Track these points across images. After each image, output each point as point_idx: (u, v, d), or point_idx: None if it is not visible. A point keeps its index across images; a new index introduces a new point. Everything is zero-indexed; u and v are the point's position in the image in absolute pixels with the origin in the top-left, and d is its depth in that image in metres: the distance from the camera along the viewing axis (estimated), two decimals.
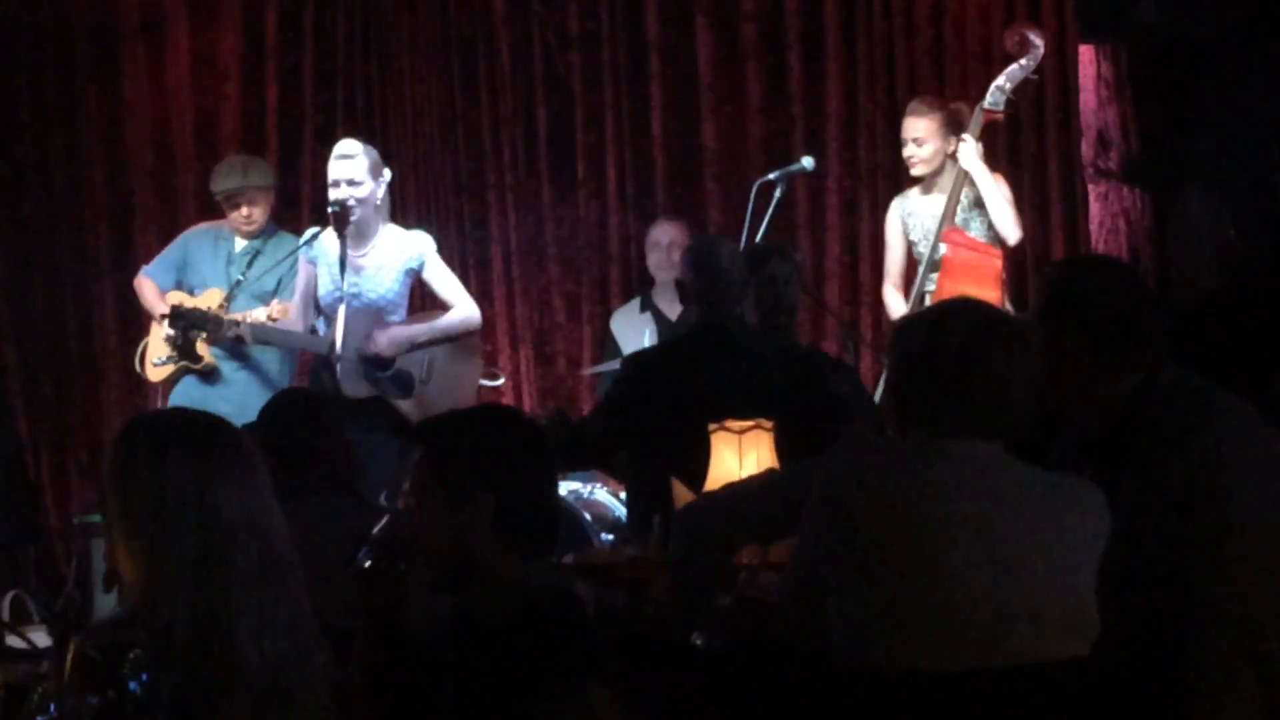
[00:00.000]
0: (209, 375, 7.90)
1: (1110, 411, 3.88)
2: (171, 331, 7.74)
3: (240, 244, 8.07)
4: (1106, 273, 4.07)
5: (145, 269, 8.19)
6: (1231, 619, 3.63)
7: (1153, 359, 3.89)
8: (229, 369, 7.91)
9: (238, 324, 7.52)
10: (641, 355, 6.75)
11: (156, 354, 7.98)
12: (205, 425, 3.36)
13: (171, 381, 7.96)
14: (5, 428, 9.28)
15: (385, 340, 7.37)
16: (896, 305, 7.76)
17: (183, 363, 7.88)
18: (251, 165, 8.11)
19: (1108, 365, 3.87)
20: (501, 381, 8.99)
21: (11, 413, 9.44)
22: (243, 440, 3.34)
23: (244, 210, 7.99)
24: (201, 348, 7.83)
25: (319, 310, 7.52)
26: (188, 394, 7.87)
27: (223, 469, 3.23)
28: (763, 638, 4.20)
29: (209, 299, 7.88)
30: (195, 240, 8.20)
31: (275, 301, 7.68)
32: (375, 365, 7.38)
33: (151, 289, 8.08)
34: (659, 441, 5.99)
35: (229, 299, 7.86)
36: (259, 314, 7.59)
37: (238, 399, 7.70)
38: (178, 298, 7.93)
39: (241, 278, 7.95)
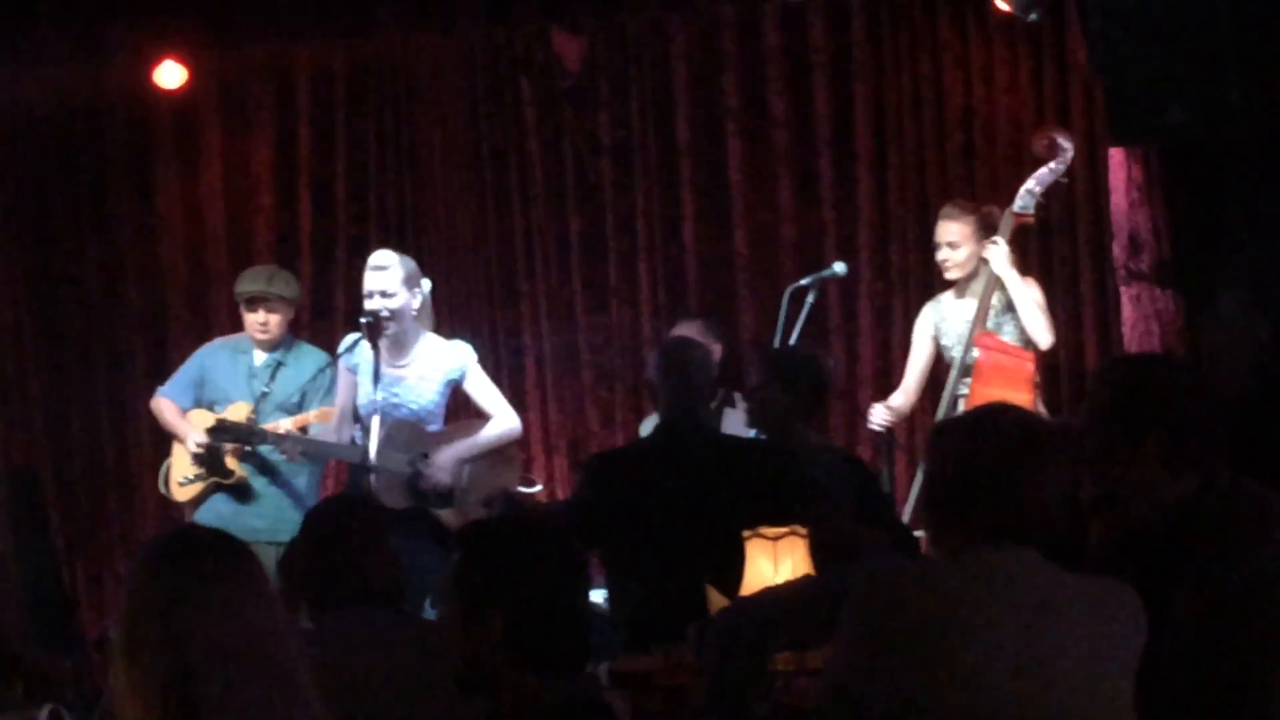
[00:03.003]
0: (239, 491, 7.84)
1: (1164, 514, 3.80)
2: (201, 448, 7.71)
3: (260, 356, 8.00)
4: (1167, 371, 3.98)
5: (161, 389, 8.12)
6: None
7: (1211, 462, 3.82)
8: (260, 484, 7.85)
9: (282, 436, 7.50)
10: (600, 459, 7.00)
11: (182, 473, 7.91)
12: (186, 541, 3.25)
13: (198, 500, 7.90)
14: (40, 540, 9.28)
15: (447, 468, 7.34)
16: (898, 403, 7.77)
17: (212, 479, 7.83)
18: (278, 275, 8.07)
19: (1166, 467, 3.79)
20: (539, 489, 8.95)
21: (46, 525, 9.44)
22: (231, 557, 3.18)
23: (261, 315, 7.91)
24: (231, 462, 7.78)
25: (356, 419, 7.48)
26: (216, 511, 7.78)
27: (196, 586, 3.07)
28: None
29: (235, 413, 7.81)
30: (211, 356, 8.13)
31: (312, 411, 7.68)
32: (419, 485, 7.36)
33: (171, 409, 7.99)
34: (669, 545, 6.10)
35: (256, 412, 7.80)
36: (286, 426, 7.58)
37: (270, 514, 7.70)
38: (201, 416, 7.91)
39: (267, 390, 7.87)
